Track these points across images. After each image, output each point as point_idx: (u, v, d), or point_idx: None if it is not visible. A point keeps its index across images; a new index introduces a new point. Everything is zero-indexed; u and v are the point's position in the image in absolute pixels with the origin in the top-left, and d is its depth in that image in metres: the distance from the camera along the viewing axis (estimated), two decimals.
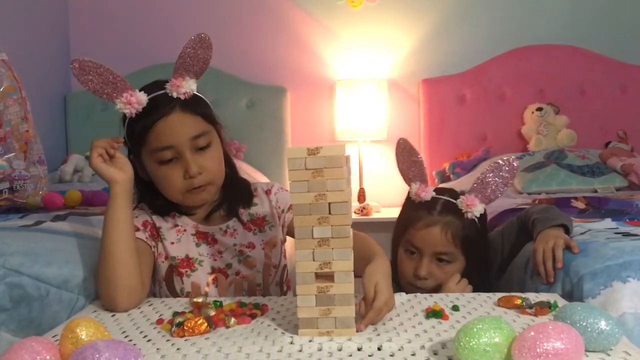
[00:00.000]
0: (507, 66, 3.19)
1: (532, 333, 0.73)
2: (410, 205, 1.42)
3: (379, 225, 2.87)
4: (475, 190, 1.37)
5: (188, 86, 1.21)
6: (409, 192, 1.43)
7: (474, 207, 1.35)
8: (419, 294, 1.15)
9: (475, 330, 0.75)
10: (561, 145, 2.93)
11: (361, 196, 3.08)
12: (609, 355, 0.79)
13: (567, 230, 1.30)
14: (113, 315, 1.07)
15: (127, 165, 1.18)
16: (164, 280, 1.29)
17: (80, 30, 3.37)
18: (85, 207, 1.73)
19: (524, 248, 1.39)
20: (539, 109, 3.05)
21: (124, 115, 1.22)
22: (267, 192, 1.37)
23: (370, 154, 3.26)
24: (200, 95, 1.26)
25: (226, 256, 1.31)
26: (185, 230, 1.31)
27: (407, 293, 1.17)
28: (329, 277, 0.91)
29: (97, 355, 0.69)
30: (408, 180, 1.42)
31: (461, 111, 3.21)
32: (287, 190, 1.37)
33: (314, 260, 0.90)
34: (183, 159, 1.21)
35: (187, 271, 1.28)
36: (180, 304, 1.12)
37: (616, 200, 1.85)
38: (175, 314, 1.03)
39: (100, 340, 0.73)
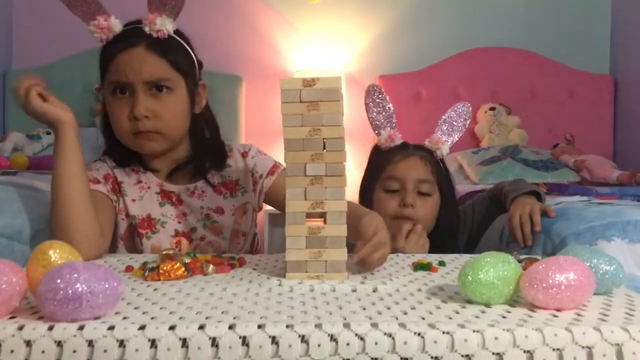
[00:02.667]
0: (462, 66, 3.24)
1: (543, 266, 0.70)
2: (380, 152, 1.44)
3: None
4: (439, 131, 1.44)
5: (163, 24, 1.13)
6: (375, 144, 1.44)
7: (442, 146, 1.42)
8: (400, 254, 1.10)
9: (483, 263, 0.71)
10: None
11: None
12: (611, 297, 0.77)
13: (540, 198, 1.31)
14: None
15: (66, 105, 1.08)
16: (122, 239, 1.20)
17: (25, 3, 3.19)
18: (36, 172, 1.61)
19: (497, 219, 1.38)
20: (492, 109, 3.11)
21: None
22: (244, 155, 1.28)
23: None
24: (180, 41, 1.17)
25: (191, 219, 1.22)
26: (149, 187, 1.21)
27: (391, 235, 1.15)
28: (321, 217, 0.86)
29: (76, 275, 0.61)
30: (377, 127, 1.43)
31: (416, 108, 3.22)
32: (266, 155, 1.30)
33: (305, 199, 0.85)
34: (134, 98, 1.12)
35: (147, 232, 1.19)
36: (148, 258, 1.04)
37: (575, 187, 1.88)
38: (146, 263, 0.95)
39: (77, 261, 0.64)
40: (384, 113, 1.43)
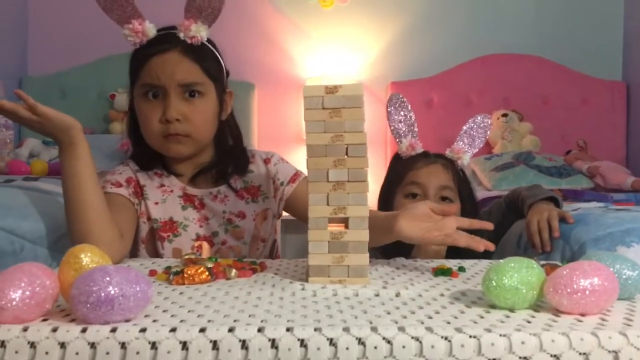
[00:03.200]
0: (474, 73, 3.24)
1: (567, 271, 0.70)
2: (400, 160, 1.45)
3: None
4: (460, 142, 1.46)
5: (197, 31, 1.15)
6: (396, 153, 1.46)
7: (463, 155, 1.43)
8: (418, 259, 1.11)
9: (507, 268, 0.71)
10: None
11: None
12: (634, 302, 0.77)
13: (557, 204, 1.31)
14: None
15: None
16: (143, 242, 1.21)
17: (41, 11, 3.24)
18: (54, 177, 1.63)
19: (514, 225, 1.39)
20: (505, 115, 3.11)
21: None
22: (266, 161, 1.30)
23: None
24: (212, 48, 1.20)
25: (213, 223, 1.24)
26: (172, 191, 1.23)
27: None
28: (343, 222, 0.86)
29: (108, 279, 0.62)
30: (399, 136, 1.44)
31: (428, 115, 3.23)
32: (287, 163, 1.32)
33: (328, 204, 0.85)
34: (166, 100, 1.15)
35: (169, 235, 1.21)
36: (170, 262, 1.05)
37: (591, 193, 1.88)
38: (169, 267, 0.96)
39: (109, 265, 0.66)
40: (405, 121, 1.44)
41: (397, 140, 1.46)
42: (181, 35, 1.15)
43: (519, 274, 0.71)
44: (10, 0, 3.08)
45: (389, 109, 1.45)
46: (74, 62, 3.18)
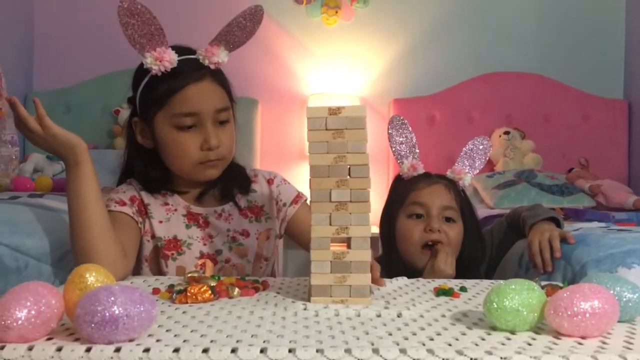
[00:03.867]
0: (476, 90, 3.26)
1: (567, 293, 0.71)
2: (402, 181, 1.46)
3: None
4: (461, 163, 1.46)
5: (221, 57, 1.18)
6: (397, 174, 1.47)
7: (464, 176, 1.44)
8: (421, 279, 1.11)
9: (508, 290, 0.72)
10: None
11: None
12: (634, 324, 0.78)
13: (558, 224, 1.32)
14: None
15: None
16: (147, 260, 1.21)
17: (46, 27, 3.27)
18: (58, 194, 1.64)
19: (515, 244, 1.39)
20: (506, 133, 3.12)
21: (138, 73, 1.18)
22: (269, 182, 1.32)
23: None
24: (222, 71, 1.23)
25: (217, 241, 1.24)
26: (176, 209, 1.24)
27: (417, 264, 1.25)
28: (345, 243, 0.87)
29: (112, 298, 0.63)
30: (400, 157, 1.45)
31: (430, 132, 3.24)
32: (289, 184, 1.34)
33: (330, 224, 0.86)
34: (203, 129, 1.16)
35: (173, 254, 1.21)
36: (174, 280, 1.05)
37: (592, 212, 1.89)
38: (172, 285, 0.96)
39: (114, 285, 0.66)
40: (406, 143, 1.45)
41: (399, 161, 1.47)
42: (205, 61, 1.16)
43: (520, 296, 0.71)
44: (16, 17, 3.12)
45: (390, 131, 1.46)
46: (79, 78, 3.20)
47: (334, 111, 0.88)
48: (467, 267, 1.39)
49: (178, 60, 1.15)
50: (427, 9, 3.34)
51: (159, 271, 1.21)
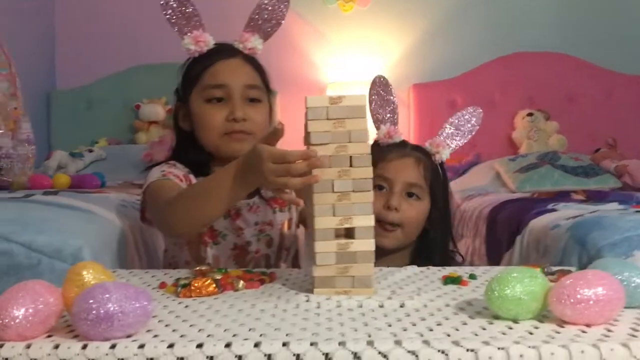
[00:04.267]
0: (496, 72, 3.20)
1: (571, 280, 0.69)
2: (377, 148, 1.35)
3: None
4: (443, 134, 1.37)
5: (255, 43, 1.23)
6: (375, 140, 1.37)
7: (442, 150, 1.35)
8: (431, 267, 1.09)
9: (510, 278, 0.70)
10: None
11: None
12: None
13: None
14: None
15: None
16: (188, 244, 1.24)
17: (66, 26, 3.31)
18: (75, 190, 1.66)
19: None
20: (530, 114, 3.06)
21: (186, 62, 1.26)
22: None
23: None
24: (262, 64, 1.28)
25: (247, 233, 1.27)
26: None
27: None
28: (347, 233, 0.86)
29: (107, 295, 0.63)
30: (378, 122, 1.36)
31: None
32: None
33: (334, 215, 0.85)
34: (231, 102, 1.21)
35: (210, 242, 1.24)
36: (182, 274, 1.06)
37: (616, 193, 1.84)
38: (179, 279, 0.97)
39: (109, 282, 0.67)
40: (387, 107, 1.35)
41: (376, 125, 1.38)
42: (240, 46, 1.23)
43: (522, 284, 0.70)
44: (37, 18, 3.16)
45: (370, 93, 1.36)
46: (100, 75, 3.24)
47: (335, 100, 0.87)
48: (431, 249, 1.34)
49: (216, 45, 1.24)
50: None
51: (198, 256, 1.23)
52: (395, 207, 1.30)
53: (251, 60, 1.26)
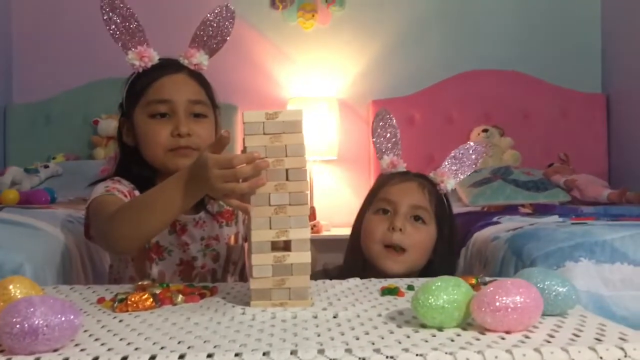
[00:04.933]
0: (454, 89, 3.27)
1: (491, 289, 0.71)
2: (379, 178, 1.40)
3: (330, 243, 2.84)
4: (446, 166, 1.39)
5: (200, 59, 1.24)
6: (380, 173, 1.41)
7: (447, 179, 1.36)
8: (373, 279, 1.11)
9: (434, 288, 0.73)
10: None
11: (312, 214, 3.06)
12: (565, 318, 0.78)
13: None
14: None
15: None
16: (133, 259, 1.23)
17: (24, 39, 3.27)
18: (23, 206, 1.64)
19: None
20: (485, 130, 3.13)
21: (130, 77, 1.26)
22: None
23: (321, 173, 3.25)
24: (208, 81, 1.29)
25: (192, 249, 1.27)
26: None
27: (378, 265, 1.20)
28: (285, 246, 0.88)
29: (32, 309, 0.63)
30: (381, 153, 1.39)
31: (410, 132, 3.23)
32: None
33: (270, 228, 0.87)
34: (175, 117, 1.21)
35: (156, 258, 1.24)
36: (124, 289, 1.06)
37: (561, 207, 1.89)
38: (118, 294, 0.97)
39: (35, 296, 0.67)
40: (391, 139, 1.40)
41: (379, 156, 1.41)
42: (185, 62, 1.24)
43: (446, 292, 0.72)
44: None
45: (374, 124, 1.41)
46: (58, 89, 3.20)
47: (271, 116, 0.89)
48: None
49: (159, 59, 1.24)
50: (403, 9, 3.35)
51: (143, 272, 1.23)
52: (399, 227, 1.28)
53: (196, 76, 1.26)
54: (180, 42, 1.32)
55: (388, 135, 1.40)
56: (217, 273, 1.29)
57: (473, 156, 1.40)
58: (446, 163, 1.40)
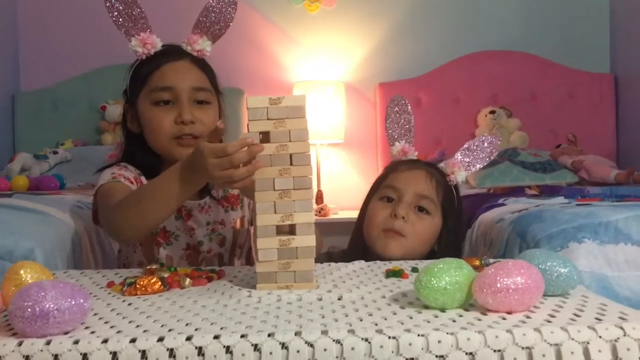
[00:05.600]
0: (461, 71, 3.25)
1: (492, 270, 0.72)
2: (391, 164, 1.38)
3: (337, 226, 2.87)
4: (458, 157, 1.37)
5: (203, 45, 1.24)
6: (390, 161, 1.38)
7: (458, 171, 1.33)
8: (378, 261, 1.13)
9: (436, 269, 0.74)
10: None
11: (319, 198, 3.07)
12: (567, 298, 0.79)
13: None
14: None
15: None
16: (141, 245, 1.26)
17: (30, 27, 3.28)
18: (32, 193, 1.66)
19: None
20: (492, 112, 3.12)
21: (133, 63, 1.26)
22: None
23: (328, 157, 3.26)
24: (211, 66, 1.29)
25: (198, 233, 1.29)
26: None
27: (377, 249, 1.18)
28: (290, 229, 0.89)
29: (43, 294, 0.65)
30: (393, 139, 1.38)
31: (417, 115, 3.17)
32: None
33: (275, 212, 0.88)
34: (179, 104, 1.21)
35: (163, 243, 1.26)
36: (133, 273, 1.08)
37: (567, 188, 1.89)
38: (127, 278, 0.98)
39: (46, 280, 0.69)
40: (404, 125, 1.38)
41: (391, 143, 1.39)
42: (188, 48, 1.24)
43: (448, 274, 0.73)
44: (0, 19, 3.13)
45: (388, 109, 1.39)
46: (65, 76, 3.22)
47: (275, 101, 0.89)
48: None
49: (163, 47, 1.24)
50: None
51: (151, 257, 1.25)
52: (402, 215, 1.26)
53: (199, 62, 1.27)
54: (182, 29, 1.32)
55: (402, 121, 1.38)
56: (224, 257, 1.31)
57: (488, 149, 1.37)
58: (458, 154, 1.37)
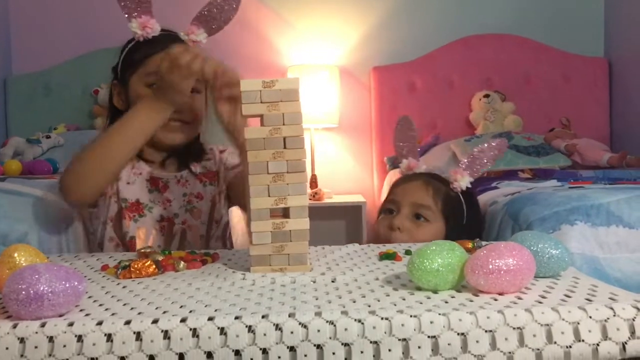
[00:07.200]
0: (455, 55, 3.25)
1: (484, 252, 0.73)
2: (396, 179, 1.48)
3: (331, 210, 2.88)
4: (464, 165, 1.40)
5: (200, 36, 1.24)
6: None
7: (461, 178, 1.37)
8: (372, 244, 1.14)
9: (429, 252, 0.74)
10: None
11: (313, 182, 3.08)
12: (558, 279, 0.80)
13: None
14: None
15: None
16: (111, 220, 1.28)
17: (22, 9, 3.24)
18: (25, 177, 1.66)
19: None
20: (486, 96, 3.12)
21: (126, 43, 1.29)
22: (221, 152, 1.41)
23: (323, 141, 3.26)
24: None
25: (175, 205, 1.32)
26: (140, 173, 1.32)
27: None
28: (284, 213, 0.89)
29: (37, 276, 0.65)
30: (401, 156, 1.48)
31: (411, 99, 3.24)
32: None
33: (269, 195, 0.88)
34: None
35: (134, 215, 1.29)
36: (127, 257, 1.08)
37: (560, 171, 1.90)
38: (121, 261, 0.99)
39: (40, 263, 0.69)
40: (411, 145, 1.49)
41: (398, 160, 1.51)
42: (185, 38, 1.25)
43: (440, 256, 0.74)
44: None
45: (396, 130, 1.50)
46: (58, 60, 3.19)
47: (268, 84, 0.89)
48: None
49: (160, 31, 1.25)
50: None
51: (121, 231, 1.27)
52: (397, 227, 1.34)
53: None
54: (184, 18, 1.31)
55: (409, 139, 1.50)
56: (200, 229, 1.33)
57: (492, 151, 1.41)
58: (465, 160, 1.42)
